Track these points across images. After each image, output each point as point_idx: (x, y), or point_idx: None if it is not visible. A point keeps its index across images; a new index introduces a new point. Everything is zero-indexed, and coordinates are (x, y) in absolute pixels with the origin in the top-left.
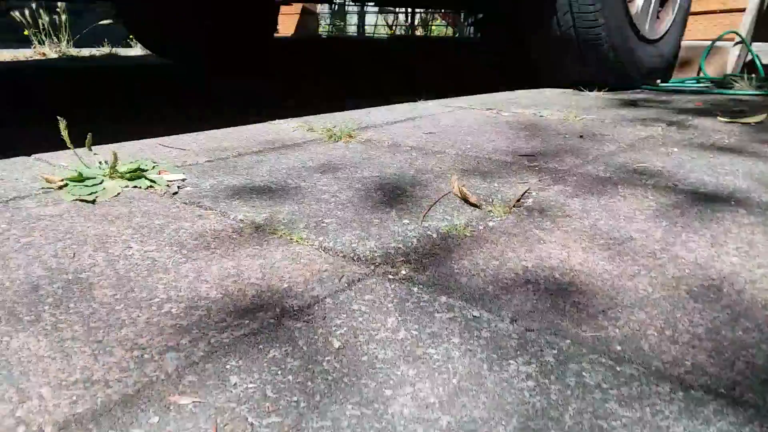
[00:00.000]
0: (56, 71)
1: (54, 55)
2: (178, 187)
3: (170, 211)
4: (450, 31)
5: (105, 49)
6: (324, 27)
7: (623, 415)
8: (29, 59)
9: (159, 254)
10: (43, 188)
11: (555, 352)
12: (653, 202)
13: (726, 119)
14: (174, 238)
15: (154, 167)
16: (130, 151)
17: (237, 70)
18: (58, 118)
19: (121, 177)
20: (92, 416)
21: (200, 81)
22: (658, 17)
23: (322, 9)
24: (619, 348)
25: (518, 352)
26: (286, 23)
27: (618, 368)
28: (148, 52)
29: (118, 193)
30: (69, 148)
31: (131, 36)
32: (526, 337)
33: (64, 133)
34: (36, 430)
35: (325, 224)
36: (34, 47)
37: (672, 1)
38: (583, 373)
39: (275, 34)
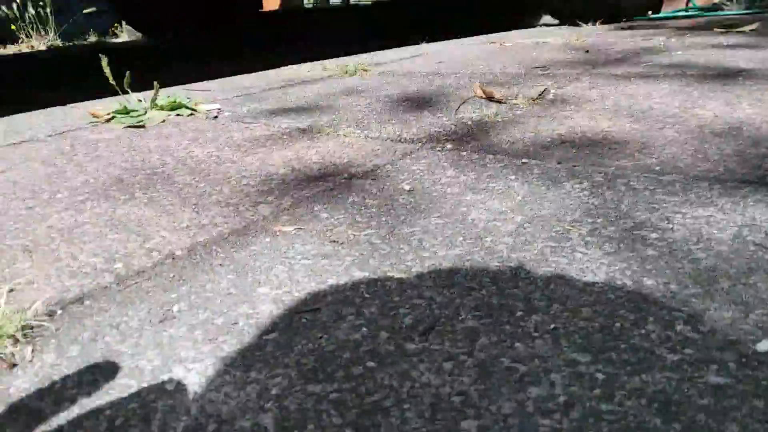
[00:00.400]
0: (67, 56)
1: (42, 47)
2: (217, 113)
3: (218, 127)
4: None
5: (93, 38)
6: (309, 0)
7: (671, 200)
8: (20, 52)
9: (221, 153)
10: (91, 122)
11: (602, 174)
12: (665, 84)
13: (722, 30)
14: (230, 143)
15: (189, 101)
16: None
17: (230, 43)
18: (100, 55)
19: (162, 109)
20: (213, 242)
21: (200, 51)
22: None
23: None
24: (658, 168)
25: (569, 179)
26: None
27: (660, 178)
28: (135, 38)
29: (164, 120)
30: (107, 95)
31: (117, 24)
32: (573, 170)
33: (107, 70)
34: (167, 253)
35: (365, 123)
36: (21, 41)
37: None
38: (631, 182)
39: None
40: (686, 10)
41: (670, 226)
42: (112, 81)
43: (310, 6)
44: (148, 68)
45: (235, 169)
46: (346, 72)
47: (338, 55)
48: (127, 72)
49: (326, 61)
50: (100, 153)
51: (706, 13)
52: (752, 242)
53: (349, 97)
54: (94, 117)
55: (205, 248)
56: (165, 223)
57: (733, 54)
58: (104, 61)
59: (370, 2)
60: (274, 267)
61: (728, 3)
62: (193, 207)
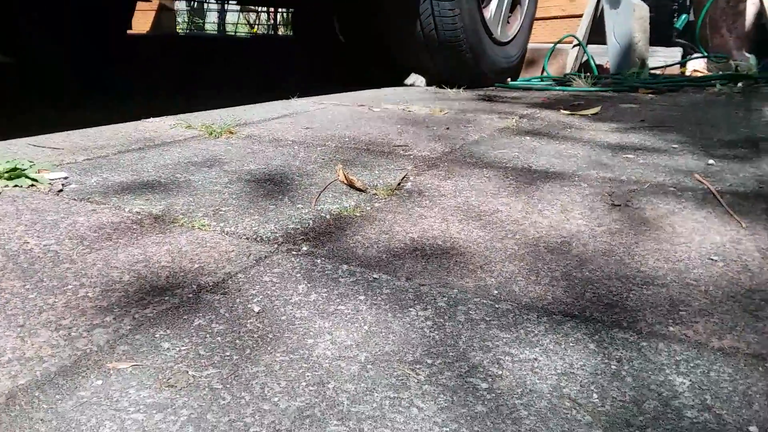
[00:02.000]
0: None
1: None
2: (62, 184)
3: (60, 207)
4: None
5: None
6: (182, 24)
7: (504, 337)
8: None
9: (60, 247)
10: None
11: (446, 299)
12: (513, 181)
13: (567, 112)
14: (72, 231)
15: (31, 166)
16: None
17: (89, 67)
18: None
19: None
20: (37, 385)
21: (55, 80)
22: (508, 22)
23: (180, 6)
24: (496, 292)
25: (416, 303)
26: (141, 20)
27: (497, 306)
28: None
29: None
30: None
31: None
32: (420, 291)
33: None
34: None
35: (223, 211)
36: None
37: (520, 8)
38: (470, 311)
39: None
40: (541, 79)
41: (500, 372)
42: None
43: (184, 32)
44: None
45: (74, 272)
46: (211, 133)
47: (207, 107)
48: None
49: (193, 115)
50: None
51: (556, 87)
52: (568, 397)
53: (211, 170)
54: None
55: (27, 395)
56: None
57: (573, 148)
58: None
59: (247, 34)
60: (102, 424)
61: (576, 79)
62: (19, 330)
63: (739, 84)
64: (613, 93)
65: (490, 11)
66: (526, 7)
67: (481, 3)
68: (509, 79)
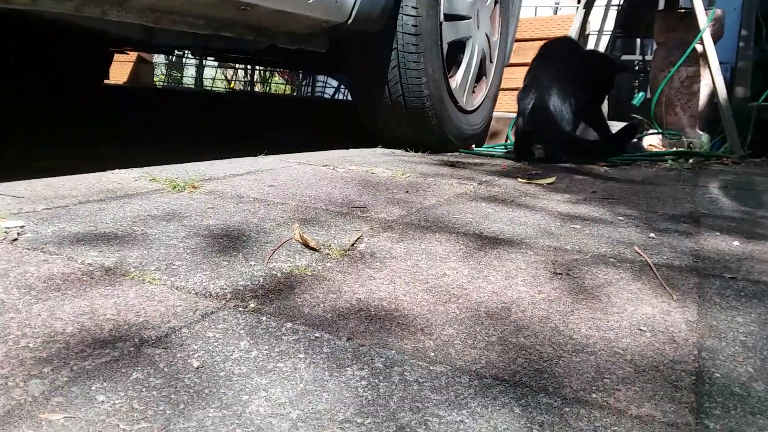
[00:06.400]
0: None
1: None
2: (18, 233)
3: (12, 256)
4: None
5: None
6: (160, 77)
7: (434, 398)
8: None
9: (7, 296)
10: None
11: (383, 359)
12: (464, 246)
13: (524, 180)
14: (21, 281)
15: None
16: None
17: (62, 116)
18: None
19: None
20: None
21: (22, 127)
22: (473, 91)
23: (158, 59)
24: (433, 354)
25: (354, 362)
26: (120, 70)
27: (432, 368)
28: None
29: None
30: None
31: None
32: (359, 351)
33: None
34: None
35: (175, 266)
36: None
37: (485, 78)
38: (405, 373)
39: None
40: (504, 147)
41: None
42: None
43: (161, 85)
44: None
45: (18, 321)
46: (175, 187)
47: (174, 160)
48: None
49: (159, 168)
50: None
51: (506, 156)
52: None
53: (170, 224)
54: None
55: None
56: None
57: (525, 216)
58: None
59: (224, 89)
60: None
61: (539, 149)
62: None
63: (690, 160)
64: (570, 164)
65: (456, 81)
66: (491, 78)
67: (447, 73)
68: (474, 146)
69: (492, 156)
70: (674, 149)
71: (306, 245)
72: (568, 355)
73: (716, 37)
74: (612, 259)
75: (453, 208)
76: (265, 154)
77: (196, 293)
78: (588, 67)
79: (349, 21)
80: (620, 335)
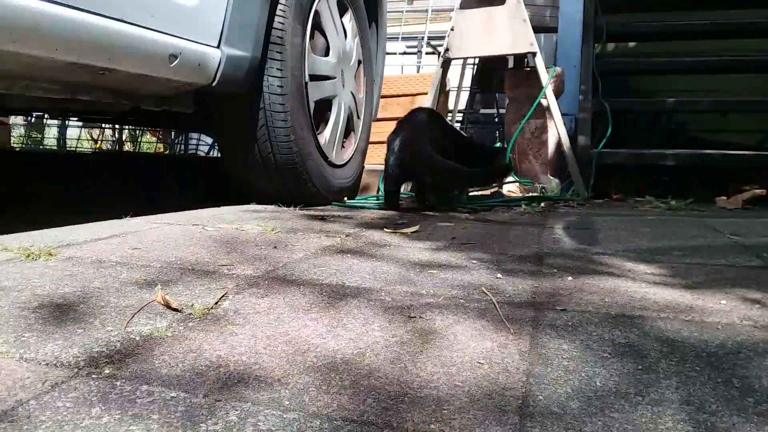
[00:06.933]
0: None
1: None
2: None
3: None
4: (161, 147)
5: None
6: (18, 139)
7: None
8: None
9: None
10: None
11: (238, 412)
12: (326, 297)
13: (390, 230)
14: None
15: None
16: None
17: None
18: None
19: None
20: None
21: None
22: (343, 146)
23: (17, 119)
24: (287, 402)
25: (208, 418)
26: None
27: (285, 415)
28: None
29: None
30: None
31: None
32: (215, 407)
33: None
34: None
35: (25, 337)
36: None
37: (354, 133)
38: (259, 423)
39: None
40: (376, 197)
41: None
42: None
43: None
44: None
45: None
46: (29, 255)
47: (31, 226)
48: None
49: (12, 236)
50: None
51: (377, 206)
52: None
53: (21, 294)
54: None
55: None
56: None
57: (388, 268)
58: None
59: (90, 149)
60: None
61: (403, 203)
62: None
63: (542, 204)
64: (435, 213)
65: (325, 137)
66: (359, 133)
67: (316, 130)
68: (346, 198)
69: (363, 208)
70: (529, 194)
71: (168, 306)
72: (413, 391)
73: (558, 92)
74: (462, 301)
75: (319, 261)
76: (132, 216)
77: (47, 363)
78: (447, 130)
79: (214, 83)
80: (461, 369)
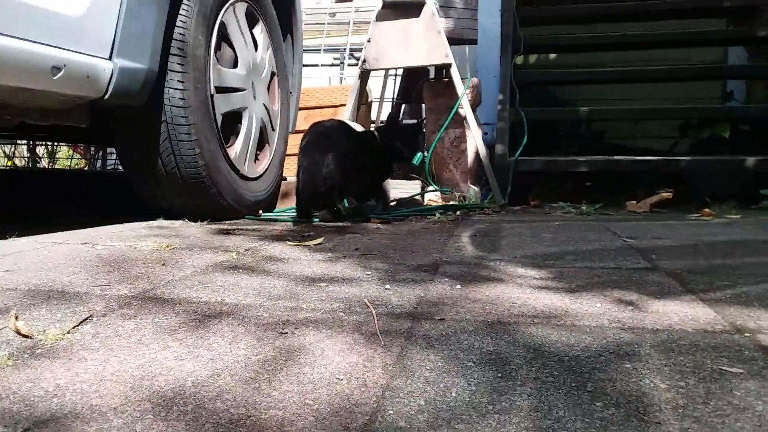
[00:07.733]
0: None
1: None
2: None
3: None
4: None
5: None
6: None
7: None
8: None
9: None
10: None
11: None
12: (200, 316)
13: (293, 243)
14: None
15: None
16: None
17: None
18: None
19: None
20: None
21: None
22: (257, 159)
23: None
24: None
25: None
26: None
27: None
28: None
29: None
30: None
31: None
32: None
33: None
34: None
35: None
36: None
37: (269, 146)
38: None
39: None
40: (294, 209)
41: None
42: None
43: None
44: None
45: None
46: None
47: None
48: None
49: None
50: None
51: (296, 219)
52: None
53: None
54: None
55: None
56: None
57: (276, 283)
58: None
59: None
60: None
61: (317, 215)
62: None
63: (458, 213)
64: (348, 223)
65: (235, 150)
66: (275, 145)
67: (226, 143)
68: (261, 211)
69: (276, 220)
70: (449, 203)
71: (18, 332)
72: (258, 413)
73: (475, 103)
74: (341, 314)
75: (206, 278)
76: (18, 236)
77: None
78: (357, 137)
79: (106, 96)
80: (317, 387)
